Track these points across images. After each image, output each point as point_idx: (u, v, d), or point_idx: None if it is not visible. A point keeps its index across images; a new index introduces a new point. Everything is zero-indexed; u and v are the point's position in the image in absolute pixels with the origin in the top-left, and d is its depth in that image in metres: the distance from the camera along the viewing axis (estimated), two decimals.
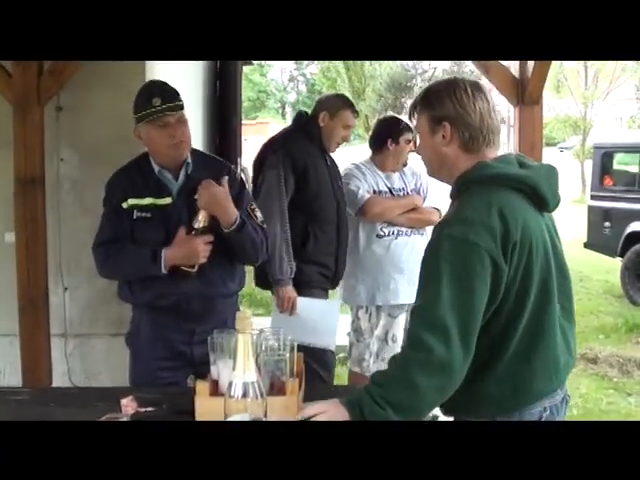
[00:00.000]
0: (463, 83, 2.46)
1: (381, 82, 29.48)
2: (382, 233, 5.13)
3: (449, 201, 2.55)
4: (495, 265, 2.27)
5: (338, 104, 4.77)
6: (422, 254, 4.52)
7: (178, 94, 3.46)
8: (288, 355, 2.68)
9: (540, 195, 2.43)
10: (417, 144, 2.65)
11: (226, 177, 3.44)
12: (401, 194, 5.25)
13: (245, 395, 2.05)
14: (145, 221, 3.47)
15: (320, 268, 4.64)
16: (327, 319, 4.62)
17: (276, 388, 2.64)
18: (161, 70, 4.99)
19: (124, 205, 3.48)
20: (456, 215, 2.38)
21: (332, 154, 4.91)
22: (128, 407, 2.76)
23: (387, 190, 5.24)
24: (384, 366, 5.16)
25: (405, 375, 2.29)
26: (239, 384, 2.06)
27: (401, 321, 5.20)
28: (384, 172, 5.28)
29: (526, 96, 4.67)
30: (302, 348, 3.61)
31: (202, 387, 2.67)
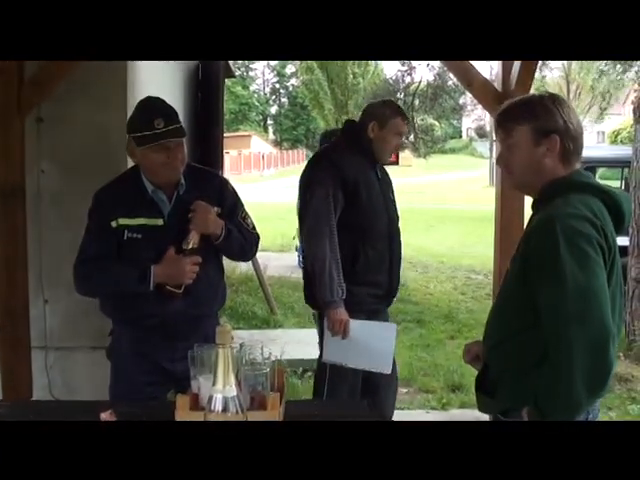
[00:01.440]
0: (563, 99, 2.65)
1: (364, 96, 29.52)
2: None
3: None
4: (602, 251, 2.43)
5: (387, 112, 4.55)
6: None
7: (177, 114, 3.43)
8: (269, 369, 2.66)
9: (620, 212, 2.59)
10: (501, 154, 2.75)
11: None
12: None
13: (225, 410, 2.03)
14: (135, 242, 3.43)
15: (370, 288, 4.48)
16: (383, 342, 4.48)
17: (257, 402, 2.63)
18: (143, 81, 4.98)
19: (113, 224, 3.42)
20: (560, 212, 2.48)
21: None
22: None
23: None
24: None
25: (561, 370, 2.41)
26: (219, 399, 2.04)
27: None
28: None
29: None
30: None
31: (182, 401, 2.66)
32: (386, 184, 4.65)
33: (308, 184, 4.46)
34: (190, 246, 3.35)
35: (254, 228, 3.71)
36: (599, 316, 2.38)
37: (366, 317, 4.42)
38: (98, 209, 3.51)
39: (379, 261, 4.46)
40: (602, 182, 2.73)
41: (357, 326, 4.36)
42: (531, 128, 2.60)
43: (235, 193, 3.72)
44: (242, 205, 3.74)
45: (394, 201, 4.70)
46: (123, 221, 3.42)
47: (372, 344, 4.40)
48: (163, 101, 3.45)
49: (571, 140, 2.58)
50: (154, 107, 3.39)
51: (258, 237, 3.74)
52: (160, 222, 3.44)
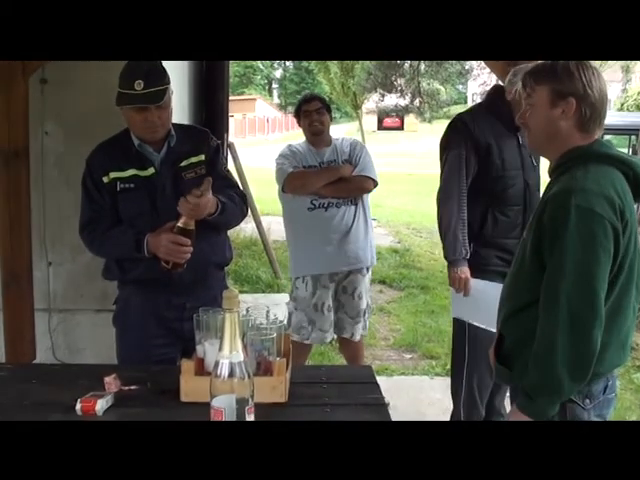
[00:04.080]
0: (590, 65, 2.58)
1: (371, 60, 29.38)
2: (312, 206, 5.21)
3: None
4: (616, 236, 2.41)
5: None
6: (352, 223, 4.64)
7: (164, 75, 3.38)
8: (275, 334, 2.64)
9: (639, 181, 2.55)
10: (522, 113, 2.71)
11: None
12: (331, 166, 5.32)
13: (231, 375, 2.02)
14: (129, 192, 3.44)
15: (499, 252, 4.45)
16: (495, 301, 4.46)
17: (263, 368, 2.61)
18: None
19: (105, 179, 3.45)
20: (579, 186, 2.45)
21: None
22: (111, 385, 2.72)
23: (317, 164, 5.30)
24: (322, 335, 5.29)
25: (541, 349, 2.46)
26: (225, 364, 2.02)
27: (333, 291, 5.35)
28: (315, 147, 5.36)
29: None
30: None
31: (187, 366, 2.65)
32: (527, 152, 4.47)
33: (443, 147, 4.50)
34: (178, 225, 3.29)
35: (237, 185, 3.76)
36: (589, 299, 2.39)
37: (493, 278, 4.39)
38: (90, 170, 3.52)
39: (510, 227, 4.43)
40: None
41: (477, 285, 4.44)
42: (549, 89, 2.57)
43: (218, 149, 3.72)
44: (224, 161, 3.83)
45: (535, 170, 4.53)
46: (114, 174, 3.45)
47: (488, 303, 4.41)
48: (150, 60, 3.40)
49: (589, 107, 2.54)
50: (139, 66, 3.34)
51: (245, 196, 3.74)
52: (151, 171, 3.47)
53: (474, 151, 4.35)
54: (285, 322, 5.17)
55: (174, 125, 3.57)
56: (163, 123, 3.43)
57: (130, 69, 3.34)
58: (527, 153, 4.41)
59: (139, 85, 3.26)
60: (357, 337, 5.51)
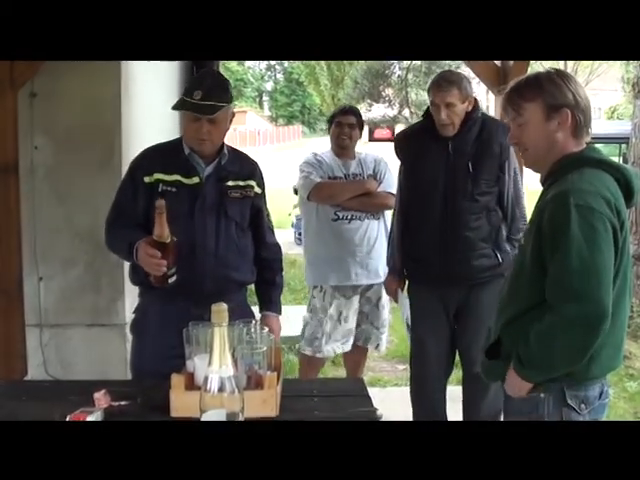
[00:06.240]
0: (569, 74, 2.68)
1: (358, 70, 29.45)
2: (335, 217, 5.21)
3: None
4: (615, 231, 2.46)
5: (431, 83, 4.43)
6: (376, 238, 4.70)
7: (225, 93, 3.48)
8: (265, 348, 2.63)
9: (630, 188, 2.60)
10: (512, 134, 2.75)
11: None
12: (357, 179, 5.32)
13: (221, 390, 2.00)
14: (170, 194, 3.43)
15: (418, 264, 4.48)
16: (404, 312, 4.68)
17: (253, 382, 2.61)
18: None
19: (146, 179, 3.48)
20: (575, 187, 2.50)
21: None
22: (101, 401, 2.70)
23: (342, 176, 5.31)
24: (336, 346, 5.33)
25: (545, 340, 2.51)
26: (215, 379, 2.01)
27: (354, 302, 5.34)
28: (341, 159, 5.36)
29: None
30: None
31: (177, 381, 2.63)
32: (461, 162, 4.32)
33: None
34: (153, 236, 3.19)
35: (273, 232, 3.88)
36: (598, 295, 2.42)
37: (424, 289, 4.52)
38: (130, 172, 3.58)
39: (424, 240, 4.41)
40: None
41: (401, 298, 4.72)
42: (541, 104, 2.60)
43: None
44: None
45: (465, 180, 4.30)
46: (159, 175, 3.47)
47: (405, 312, 4.67)
48: (217, 76, 3.59)
49: (581, 113, 2.59)
50: (203, 79, 3.50)
51: (280, 250, 3.93)
52: (196, 180, 3.50)
53: (402, 162, 4.55)
54: (299, 334, 5.39)
55: (228, 147, 3.64)
56: (212, 139, 3.48)
57: (195, 80, 3.56)
58: (464, 160, 4.30)
59: (197, 95, 3.36)
60: (382, 347, 5.62)
